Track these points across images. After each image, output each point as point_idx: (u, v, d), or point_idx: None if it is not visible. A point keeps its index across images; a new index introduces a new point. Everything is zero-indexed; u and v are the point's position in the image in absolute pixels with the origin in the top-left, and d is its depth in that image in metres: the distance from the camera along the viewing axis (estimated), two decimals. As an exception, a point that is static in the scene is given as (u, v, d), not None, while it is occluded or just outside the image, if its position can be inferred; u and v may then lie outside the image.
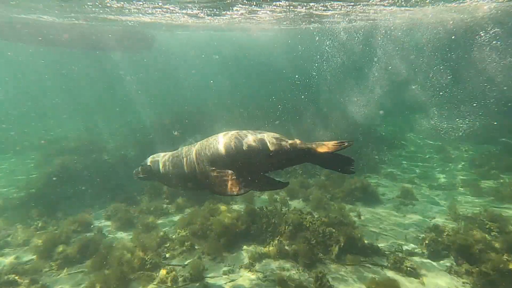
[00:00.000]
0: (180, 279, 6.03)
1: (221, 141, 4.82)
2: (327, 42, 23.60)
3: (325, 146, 4.48)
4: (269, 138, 4.63)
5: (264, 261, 6.67)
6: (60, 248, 6.67)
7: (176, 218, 8.83)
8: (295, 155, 4.55)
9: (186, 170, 5.06)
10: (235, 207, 9.44)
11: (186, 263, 6.63)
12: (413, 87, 22.02)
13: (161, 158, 5.40)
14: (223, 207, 8.70)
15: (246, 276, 6.15)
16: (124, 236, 7.89)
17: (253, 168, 4.63)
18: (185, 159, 5.18)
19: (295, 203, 9.72)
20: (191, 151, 5.23)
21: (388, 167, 12.64)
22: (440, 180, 11.07)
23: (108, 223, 8.47)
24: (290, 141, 4.56)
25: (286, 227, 7.72)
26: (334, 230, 7.52)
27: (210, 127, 15.54)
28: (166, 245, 7.28)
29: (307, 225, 7.72)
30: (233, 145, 4.71)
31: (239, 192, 4.40)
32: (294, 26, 21.85)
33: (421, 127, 18.05)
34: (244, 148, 4.59)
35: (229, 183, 4.52)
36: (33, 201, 8.89)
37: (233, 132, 4.88)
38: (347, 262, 6.52)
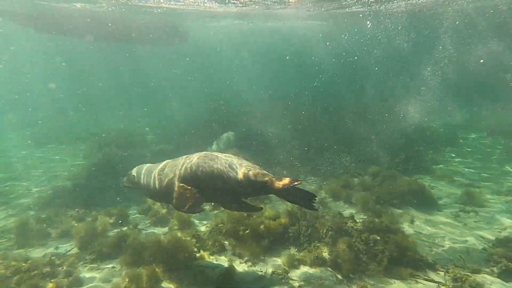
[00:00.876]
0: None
1: (193, 162, 5.08)
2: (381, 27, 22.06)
3: (281, 182, 4.53)
4: (239, 165, 4.75)
5: (300, 268, 6.09)
6: (97, 241, 6.70)
7: (213, 214, 8.57)
8: (251, 188, 4.66)
9: (158, 185, 5.38)
10: (278, 206, 8.93)
11: (215, 263, 6.30)
12: (480, 78, 19.75)
13: (143, 170, 5.73)
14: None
15: (278, 283, 5.63)
16: (160, 231, 7.79)
17: (219, 193, 4.86)
18: (161, 174, 5.49)
19: (337, 205, 8.95)
20: (166, 166, 5.52)
21: (445, 168, 11.27)
22: (509, 184, 9.54)
23: (144, 218, 8.46)
24: (253, 172, 4.64)
25: (326, 231, 7.06)
26: (378, 238, 6.73)
27: (246, 124, 15.24)
28: (197, 244, 7.01)
29: (349, 231, 7.00)
30: (201, 168, 4.91)
31: (191, 210, 4.68)
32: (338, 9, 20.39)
33: (487, 123, 16.02)
34: (209, 172, 4.80)
35: (186, 199, 4.75)
36: (76, 192, 9.20)
37: (207, 153, 5.15)
38: (396, 275, 5.71)
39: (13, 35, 31.23)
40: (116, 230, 7.47)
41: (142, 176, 5.86)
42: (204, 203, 5.27)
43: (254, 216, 7.51)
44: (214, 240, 7.08)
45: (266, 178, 4.62)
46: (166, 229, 7.80)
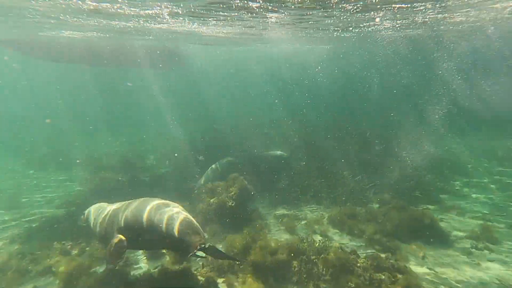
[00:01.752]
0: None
1: (129, 213, 5.49)
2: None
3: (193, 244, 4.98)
4: (175, 219, 5.20)
5: (297, 312, 5.55)
6: (82, 279, 6.22)
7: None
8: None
9: (99, 231, 5.76)
10: (278, 236, 8.43)
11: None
12: (485, 98, 19.45)
13: (93, 211, 6.27)
14: (260, 242, 7.59)
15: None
16: (152, 265, 7.31)
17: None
18: (104, 221, 5.82)
19: (340, 236, 8.43)
20: (110, 211, 5.88)
21: (453, 198, 10.71)
22: (525, 218, 8.94)
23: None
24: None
25: (325, 268, 6.53)
26: (384, 277, 6.21)
27: (241, 148, 14.93)
28: (190, 282, 6.51)
29: (352, 268, 6.47)
30: (136, 220, 5.34)
31: (112, 262, 5.22)
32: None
33: (497, 149, 15.49)
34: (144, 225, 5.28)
35: (117, 256, 5.23)
36: (66, 221, 8.82)
37: (158, 204, 5.53)
38: (404, 324, 5.14)
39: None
40: (104, 265, 7.01)
41: (92, 217, 6.27)
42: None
43: (255, 247, 7.03)
44: (207, 278, 6.60)
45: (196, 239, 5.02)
46: (160, 262, 7.31)
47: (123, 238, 5.39)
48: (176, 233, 5.04)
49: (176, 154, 14.83)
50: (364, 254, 7.20)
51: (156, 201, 5.63)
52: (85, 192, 11.05)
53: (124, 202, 5.87)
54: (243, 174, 10.45)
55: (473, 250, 7.31)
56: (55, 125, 25.51)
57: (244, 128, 18.15)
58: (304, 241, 7.11)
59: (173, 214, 5.30)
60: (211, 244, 5.12)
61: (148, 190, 11.56)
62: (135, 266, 7.12)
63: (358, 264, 6.63)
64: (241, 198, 9.52)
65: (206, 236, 5.76)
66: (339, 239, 8.25)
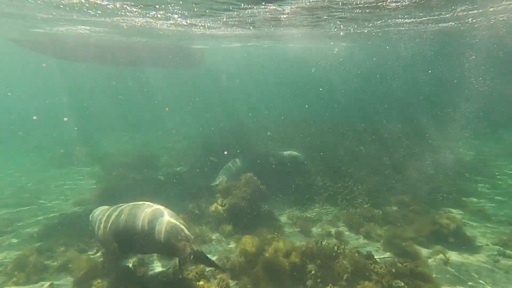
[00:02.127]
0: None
1: (119, 218, 5.83)
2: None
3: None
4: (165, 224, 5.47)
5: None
6: (96, 281, 6.24)
7: (221, 248, 8.01)
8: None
9: (98, 234, 6.15)
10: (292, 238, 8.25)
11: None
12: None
13: (96, 214, 6.67)
14: (275, 243, 7.40)
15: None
16: (166, 265, 7.29)
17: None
18: (102, 224, 6.10)
19: (355, 240, 8.16)
20: (106, 216, 6.15)
21: (477, 202, 10.19)
22: (555, 224, 8.36)
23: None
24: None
25: (341, 273, 6.30)
26: (403, 284, 5.93)
27: (262, 146, 14.79)
28: (200, 283, 6.44)
29: (369, 274, 6.23)
30: (124, 226, 5.69)
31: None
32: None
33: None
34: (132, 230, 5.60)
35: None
36: (83, 219, 8.93)
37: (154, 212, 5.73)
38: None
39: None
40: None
41: (94, 222, 6.49)
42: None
43: (268, 248, 6.88)
44: (220, 281, 6.51)
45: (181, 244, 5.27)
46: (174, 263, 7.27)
47: (116, 247, 5.81)
48: (163, 240, 5.33)
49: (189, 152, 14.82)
50: (381, 259, 6.92)
51: (145, 207, 5.89)
52: (101, 190, 11.17)
53: (119, 207, 6.16)
54: (257, 174, 10.30)
55: (500, 258, 6.88)
56: (71, 124, 26.16)
57: (259, 128, 18.03)
58: (319, 244, 6.88)
59: (161, 220, 5.54)
60: (199, 250, 5.46)
61: (163, 189, 11.62)
62: (150, 266, 7.11)
63: (376, 270, 6.39)
64: (255, 198, 9.39)
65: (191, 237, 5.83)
66: (355, 243, 7.98)
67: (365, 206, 9.85)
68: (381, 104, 24.99)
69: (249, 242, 7.17)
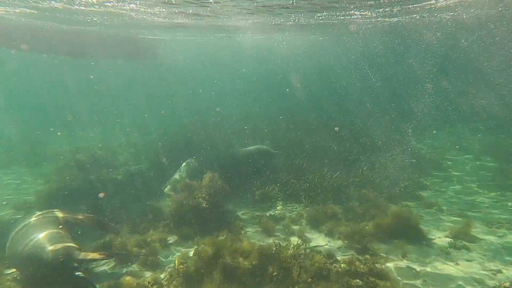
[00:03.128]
0: None
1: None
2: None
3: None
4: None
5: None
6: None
7: (178, 251, 7.59)
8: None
9: None
10: (256, 238, 8.00)
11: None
12: (466, 90, 19.58)
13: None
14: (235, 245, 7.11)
15: None
16: (122, 271, 6.74)
17: None
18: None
19: (317, 238, 8.11)
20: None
21: (431, 195, 10.61)
22: (503, 216, 8.88)
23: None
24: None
25: (300, 274, 6.18)
26: (361, 283, 5.94)
27: (226, 141, 14.45)
28: (154, 291, 6.03)
29: (327, 274, 6.16)
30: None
31: None
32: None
33: (476, 143, 15.60)
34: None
35: None
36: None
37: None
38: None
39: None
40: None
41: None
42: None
43: (227, 250, 6.59)
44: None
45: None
46: (131, 269, 6.77)
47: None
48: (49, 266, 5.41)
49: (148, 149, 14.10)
50: (342, 258, 6.92)
51: (31, 222, 6.15)
52: (46, 192, 10.23)
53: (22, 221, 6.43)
54: (220, 172, 9.95)
55: (451, 250, 7.15)
56: (22, 120, 23.95)
57: (219, 124, 17.62)
58: (278, 245, 6.72)
59: (43, 237, 5.74)
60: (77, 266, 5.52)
61: (118, 189, 10.91)
62: (99, 270, 6.55)
63: (335, 269, 6.35)
64: (216, 198, 9.04)
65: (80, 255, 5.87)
66: (317, 241, 7.94)
67: (328, 202, 9.89)
68: (336, 99, 25.55)
69: (207, 244, 6.85)
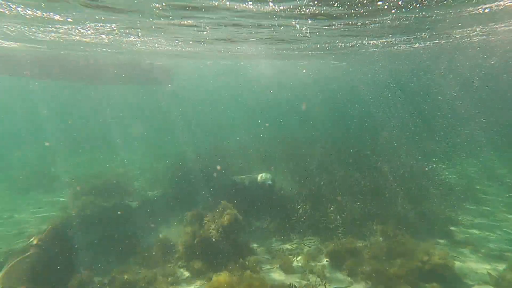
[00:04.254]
0: None
1: None
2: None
3: None
4: None
5: None
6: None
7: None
8: None
9: None
10: (271, 275, 7.44)
11: None
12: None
13: None
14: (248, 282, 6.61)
15: None
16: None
17: None
18: None
19: (339, 277, 7.43)
20: None
21: (465, 231, 9.70)
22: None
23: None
24: None
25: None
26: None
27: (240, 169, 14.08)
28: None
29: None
30: None
31: None
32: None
33: (507, 172, 14.51)
34: None
35: None
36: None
37: None
38: None
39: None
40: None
41: None
42: None
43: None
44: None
45: None
46: None
47: None
48: None
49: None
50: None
51: None
52: (59, 221, 10.08)
53: None
54: (233, 201, 9.56)
55: (494, 299, 6.30)
56: (39, 145, 24.62)
57: (235, 149, 17.39)
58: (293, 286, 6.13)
59: None
60: None
61: (135, 217, 10.67)
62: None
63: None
64: (231, 230, 8.59)
65: None
66: (339, 281, 7.26)
67: (349, 236, 9.21)
68: (356, 126, 24.93)
69: (220, 281, 6.38)
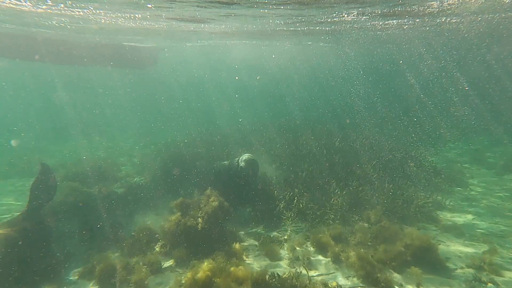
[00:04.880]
0: None
1: None
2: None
3: None
4: None
5: None
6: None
7: (172, 277, 7.01)
8: None
9: None
10: (257, 262, 7.37)
11: None
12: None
13: None
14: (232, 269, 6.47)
15: None
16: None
17: None
18: None
19: (324, 264, 7.40)
20: None
21: (452, 216, 9.75)
22: (531, 241, 7.98)
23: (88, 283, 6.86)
24: None
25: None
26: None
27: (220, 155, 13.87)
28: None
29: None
30: None
31: None
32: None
33: (496, 157, 14.58)
34: None
35: None
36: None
37: None
38: None
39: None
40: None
41: None
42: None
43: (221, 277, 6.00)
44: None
45: None
46: None
47: None
48: None
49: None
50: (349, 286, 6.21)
51: None
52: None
53: None
54: (219, 187, 9.40)
55: (476, 284, 6.33)
56: (25, 129, 23.94)
57: (225, 135, 17.12)
58: (275, 275, 6.07)
59: None
60: None
61: (117, 205, 10.47)
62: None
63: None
64: (216, 217, 8.46)
65: None
66: (324, 268, 7.23)
67: (337, 222, 9.19)
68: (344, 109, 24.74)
69: (203, 269, 6.28)
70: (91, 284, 6.82)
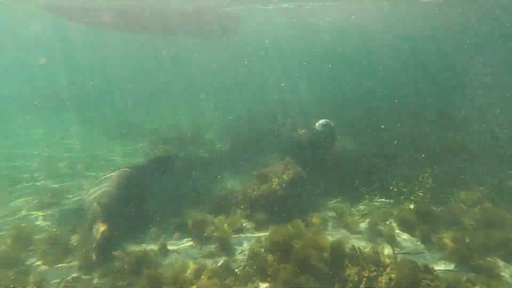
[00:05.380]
0: None
1: None
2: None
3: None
4: None
5: None
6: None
7: (253, 238, 7.39)
8: None
9: None
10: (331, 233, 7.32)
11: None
12: None
13: None
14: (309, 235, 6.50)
15: None
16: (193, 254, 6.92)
17: None
18: None
19: (410, 244, 6.90)
20: None
21: None
22: None
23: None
24: None
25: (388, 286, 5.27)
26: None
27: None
28: (228, 280, 5.94)
29: (424, 292, 5.09)
30: None
31: None
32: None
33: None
34: None
35: None
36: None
37: None
38: None
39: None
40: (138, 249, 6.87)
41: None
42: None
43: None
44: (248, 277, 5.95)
45: None
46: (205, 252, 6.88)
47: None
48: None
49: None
50: (443, 273, 5.68)
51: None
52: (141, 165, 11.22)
53: None
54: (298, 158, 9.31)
55: None
56: (118, 98, 26.99)
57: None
58: (355, 249, 5.88)
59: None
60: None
61: (205, 167, 11.35)
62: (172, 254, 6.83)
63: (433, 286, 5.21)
64: (294, 185, 8.51)
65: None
66: (411, 247, 6.74)
67: (424, 200, 8.36)
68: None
69: (282, 232, 6.44)
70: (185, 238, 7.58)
